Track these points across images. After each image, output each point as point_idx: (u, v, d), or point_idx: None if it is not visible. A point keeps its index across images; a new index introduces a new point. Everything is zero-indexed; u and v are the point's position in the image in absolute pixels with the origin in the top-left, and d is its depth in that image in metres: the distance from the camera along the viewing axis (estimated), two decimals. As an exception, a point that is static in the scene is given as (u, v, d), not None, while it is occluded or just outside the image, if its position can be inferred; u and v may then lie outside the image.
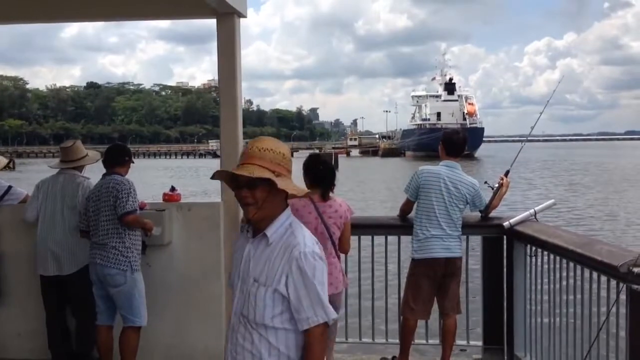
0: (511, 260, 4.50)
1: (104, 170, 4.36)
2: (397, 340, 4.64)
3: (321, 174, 3.80)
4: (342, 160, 62.31)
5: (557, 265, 3.86)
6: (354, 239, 4.68)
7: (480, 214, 4.60)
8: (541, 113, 5.12)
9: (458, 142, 4.59)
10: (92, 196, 4.24)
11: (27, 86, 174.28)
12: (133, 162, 4.46)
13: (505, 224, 4.45)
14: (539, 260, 4.12)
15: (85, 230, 4.28)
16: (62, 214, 4.46)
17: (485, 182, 4.58)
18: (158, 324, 4.51)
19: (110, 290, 4.14)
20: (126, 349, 4.15)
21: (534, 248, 4.20)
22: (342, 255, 4.27)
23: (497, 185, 4.64)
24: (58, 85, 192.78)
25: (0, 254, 4.65)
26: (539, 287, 4.17)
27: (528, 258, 4.30)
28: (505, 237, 4.55)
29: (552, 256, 3.94)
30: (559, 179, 42.57)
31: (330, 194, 3.83)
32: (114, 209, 4.12)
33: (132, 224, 4.15)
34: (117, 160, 4.30)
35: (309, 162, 3.86)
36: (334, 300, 3.69)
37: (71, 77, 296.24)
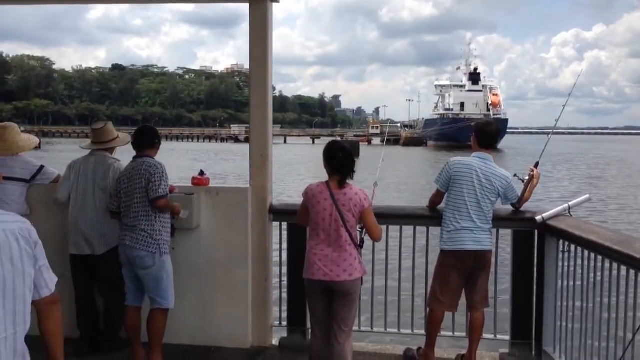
0: (542, 255, 4.43)
1: (130, 153, 4.38)
2: (423, 332, 4.61)
3: (340, 162, 3.79)
4: (363, 148, 62.08)
5: (592, 262, 3.78)
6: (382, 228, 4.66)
7: (511, 207, 4.53)
8: (564, 106, 4.99)
9: (491, 134, 4.51)
10: (123, 178, 4.25)
11: (54, 67, 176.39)
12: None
13: (538, 218, 4.37)
14: (572, 256, 4.05)
15: (115, 212, 4.30)
16: (93, 195, 4.49)
17: (515, 175, 4.49)
18: (185, 307, 4.55)
19: (139, 272, 4.16)
20: (153, 330, 4.18)
21: (567, 243, 4.12)
22: (370, 244, 4.24)
23: (527, 177, 4.55)
24: (84, 66, 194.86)
25: (32, 233, 4.68)
26: (571, 283, 4.10)
27: (560, 254, 4.22)
28: (536, 231, 4.47)
29: (586, 252, 3.86)
30: (578, 172, 42.01)
31: (349, 182, 3.81)
32: (146, 191, 4.13)
33: (163, 208, 4.16)
34: (147, 142, 4.30)
35: (329, 150, 3.86)
36: (350, 286, 3.76)
37: (96, 58, 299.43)
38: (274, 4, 4.79)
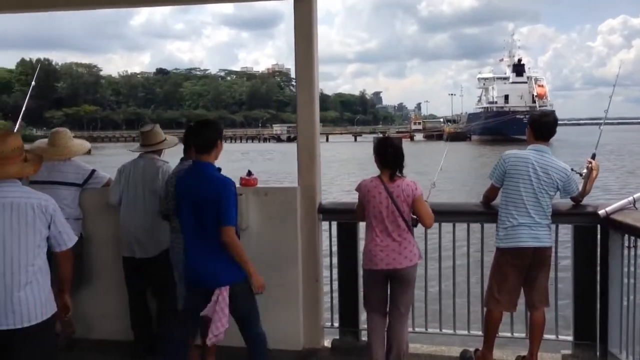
0: (606, 251, 4.22)
1: (179, 155, 4.35)
2: (480, 332, 4.46)
3: (389, 157, 4.05)
4: (406, 144, 61.36)
5: None
6: (434, 226, 4.53)
7: (571, 201, 4.33)
8: (611, 97, 4.78)
9: (547, 125, 4.31)
10: (171, 181, 4.23)
11: (101, 73, 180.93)
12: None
13: (601, 212, 4.16)
14: (639, 252, 3.83)
15: (166, 214, 4.29)
16: (143, 198, 4.51)
17: (572, 169, 4.27)
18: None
19: (189, 275, 4.13)
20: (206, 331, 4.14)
21: (632, 239, 3.90)
22: (422, 245, 4.34)
23: (585, 170, 4.34)
24: (129, 71, 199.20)
25: (85, 236, 4.76)
26: (638, 281, 3.88)
27: (626, 249, 4.00)
28: (599, 226, 4.26)
29: None
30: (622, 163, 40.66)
31: (399, 175, 4.05)
32: None
33: None
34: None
35: (379, 146, 4.12)
36: (411, 272, 4.06)
37: (141, 63, 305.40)
38: (318, 0, 4.71)
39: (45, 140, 4.90)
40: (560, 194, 4.21)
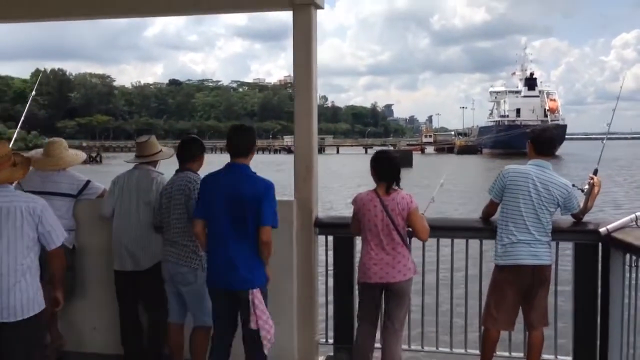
0: (607, 270, 4.11)
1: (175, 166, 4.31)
2: (477, 352, 4.36)
3: (386, 170, 4.07)
4: (417, 157, 61.41)
5: None
6: (431, 242, 4.47)
7: (572, 218, 4.24)
8: (614, 110, 4.75)
9: (548, 140, 4.25)
10: (164, 192, 4.19)
11: (114, 83, 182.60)
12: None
13: (602, 229, 4.06)
14: None
15: (159, 226, 4.24)
16: (137, 209, 4.45)
17: (573, 185, 4.18)
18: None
19: (181, 288, 4.08)
20: (196, 348, 4.08)
21: (634, 258, 3.79)
22: (419, 260, 4.35)
23: (587, 186, 4.25)
24: (142, 82, 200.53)
25: (78, 248, 4.71)
26: (639, 301, 3.77)
27: (627, 268, 3.90)
28: (600, 244, 4.16)
29: None
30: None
31: (395, 188, 4.05)
32: (186, 207, 4.05)
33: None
34: (189, 155, 4.23)
35: (376, 159, 4.13)
36: (405, 286, 4.03)
37: (154, 74, 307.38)
38: (318, 11, 4.68)
39: (41, 150, 4.88)
40: (560, 210, 4.12)
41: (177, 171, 4.23)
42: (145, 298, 4.53)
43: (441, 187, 4.72)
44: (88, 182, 4.77)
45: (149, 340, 4.54)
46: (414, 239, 4.15)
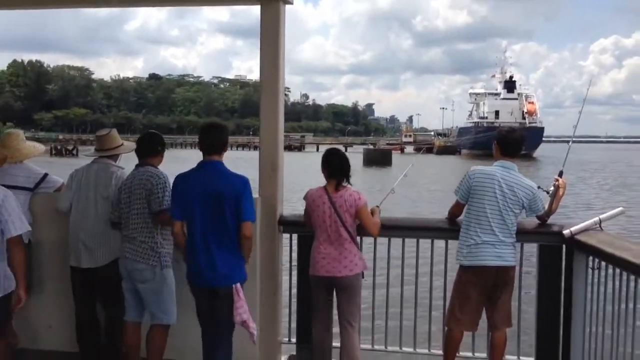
0: (570, 272, 4.09)
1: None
2: (441, 352, 4.32)
3: (336, 167, 4.11)
4: (396, 157, 61.63)
5: (625, 282, 3.44)
6: (397, 242, 4.43)
7: (537, 220, 4.22)
8: (580, 113, 4.68)
9: (514, 141, 4.21)
10: (124, 187, 4.08)
11: (93, 76, 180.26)
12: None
13: (566, 232, 4.05)
14: (603, 274, 3.71)
15: (116, 222, 4.13)
16: (95, 204, 4.33)
17: (539, 187, 4.16)
18: (189, 324, 4.31)
19: (138, 285, 3.98)
20: (153, 347, 3.99)
21: (597, 260, 3.79)
22: (384, 257, 4.40)
23: (552, 187, 4.23)
24: (122, 76, 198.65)
25: (34, 242, 4.57)
26: (601, 304, 3.76)
27: (590, 271, 3.89)
28: (564, 246, 4.15)
29: (618, 271, 3.52)
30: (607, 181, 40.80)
31: (345, 185, 4.11)
32: (147, 203, 3.95)
33: (168, 222, 3.96)
34: (149, 150, 4.13)
35: (327, 156, 4.16)
36: (351, 281, 4.07)
37: (134, 68, 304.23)
38: (287, 6, 4.60)
39: (-3, 142, 4.72)
40: (525, 212, 4.10)
41: (137, 166, 4.12)
42: (102, 295, 4.41)
43: (404, 177, 4.81)
44: (45, 175, 4.64)
45: (106, 337, 4.43)
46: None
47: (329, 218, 4.05)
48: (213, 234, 3.65)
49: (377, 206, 4.33)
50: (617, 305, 3.51)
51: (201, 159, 3.82)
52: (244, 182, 3.71)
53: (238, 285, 3.71)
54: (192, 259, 3.74)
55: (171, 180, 3.94)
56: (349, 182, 4.13)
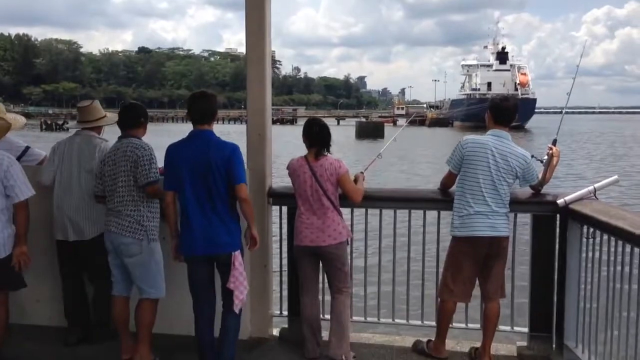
0: (564, 241, 4.05)
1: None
2: (434, 323, 4.29)
3: (316, 136, 4.07)
4: (388, 129, 61.43)
5: (619, 250, 3.40)
6: (389, 213, 4.37)
7: (531, 190, 4.16)
8: (570, 90, 4.57)
9: (508, 109, 4.10)
10: (107, 160, 3.96)
11: (81, 50, 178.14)
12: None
13: (560, 201, 3.99)
14: (597, 243, 3.66)
15: (100, 196, 4.02)
16: (78, 177, 4.23)
17: (532, 156, 4.07)
18: (180, 297, 4.24)
19: (125, 260, 3.88)
20: (141, 321, 3.91)
21: (591, 229, 3.73)
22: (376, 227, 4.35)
23: (546, 157, 4.16)
24: (110, 49, 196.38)
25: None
26: (595, 273, 3.72)
27: (584, 240, 3.84)
28: (558, 215, 4.09)
29: (613, 240, 3.48)
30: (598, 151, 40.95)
31: (325, 154, 4.07)
32: (133, 175, 3.84)
33: (154, 194, 3.87)
34: (132, 121, 4.00)
35: (307, 125, 4.12)
36: (335, 249, 4.04)
37: (123, 41, 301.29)
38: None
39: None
40: (519, 182, 4.03)
41: (120, 138, 4.00)
42: (90, 269, 4.33)
43: (394, 141, 4.83)
44: (27, 148, 4.52)
45: (95, 312, 4.36)
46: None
47: (310, 187, 4.02)
48: (209, 202, 3.61)
49: (362, 172, 4.30)
50: (612, 275, 3.47)
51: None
52: (234, 147, 3.70)
53: (237, 252, 3.68)
54: (188, 229, 3.67)
55: (161, 154, 3.83)
56: (328, 152, 4.09)
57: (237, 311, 3.74)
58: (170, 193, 3.73)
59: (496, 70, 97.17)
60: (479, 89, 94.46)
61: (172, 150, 3.73)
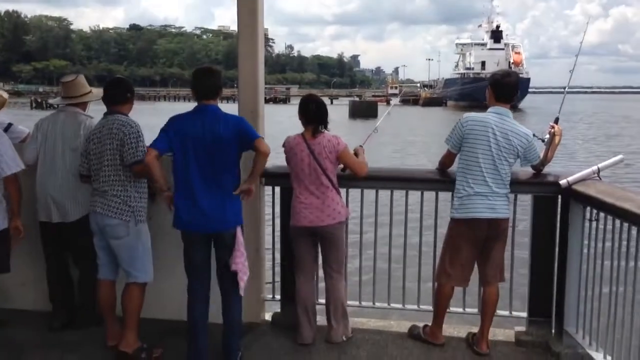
0: (566, 223, 3.92)
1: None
2: (431, 308, 4.18)
3: (312, 113, 3.95)
4: (382, 108, 61.14)
5: (624, 234, 3.28)
6: (385, 193, 4.23)
7: (532, 169, 4.02)
8: (577, 55, 4.49)
9: (509, 85, 3.93)
10: (93, 137, 3.78)
11: (72, 27, 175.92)
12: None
13: (563, 182, 3.86)
14: (601, 225, 3.54)
15: (86, 175, 3.85)
16: (62, 156, 4.05)
17: (534, 135, 3.93)
18: (169, 281, 4.10)
19: (111, 242, 3.73)
20: (128, 306, 3.76)
21: (595, 211, 3.61)
22: (372, 208, 4.29)
23: (547, 135, 4.01)
24: (101, 26, 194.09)
25: (-1, 197, 4.29)
26: (598, 257, 3.60)
27: (587, 222, 3.72)
28: (560, 197, 3.96)
29: (617, 222, 3.35)
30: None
31: (322, 131, 3.96)
32: (119, 154, 3.67)
33: (142, 174, 3.70)
34: (118, 97, 3.82)
35: (303, 103, 4.01)
36: (334, 229, 3.94)
37: (114, 18, 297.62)
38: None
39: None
40: (520, 161, 3.88)
41: (105, 114, 3.82)
42: (73, 251, 4.18)
43: (388, 115, 4.79)
44: (9, 125, 4.34)
45: (80, 296, 4.22)
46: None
47: (308, 166, 3.90)
48: (213, 178, 3.47)
49: (361, 146, 4.18)
50: (615, 258, 3.35)
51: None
52: (240, 118, 3.70)
53: (239, 229, 3.56)
54: (188, 204, 3.49)
55: (152, 136, 3.64)
56: (326, 129, 3.97)
57: (242, 293, 3.64)
58: (153, 151, 3.45)
59: (490, 49, 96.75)
60: (472, 68, 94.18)
61: (177, 122, 3.56)
